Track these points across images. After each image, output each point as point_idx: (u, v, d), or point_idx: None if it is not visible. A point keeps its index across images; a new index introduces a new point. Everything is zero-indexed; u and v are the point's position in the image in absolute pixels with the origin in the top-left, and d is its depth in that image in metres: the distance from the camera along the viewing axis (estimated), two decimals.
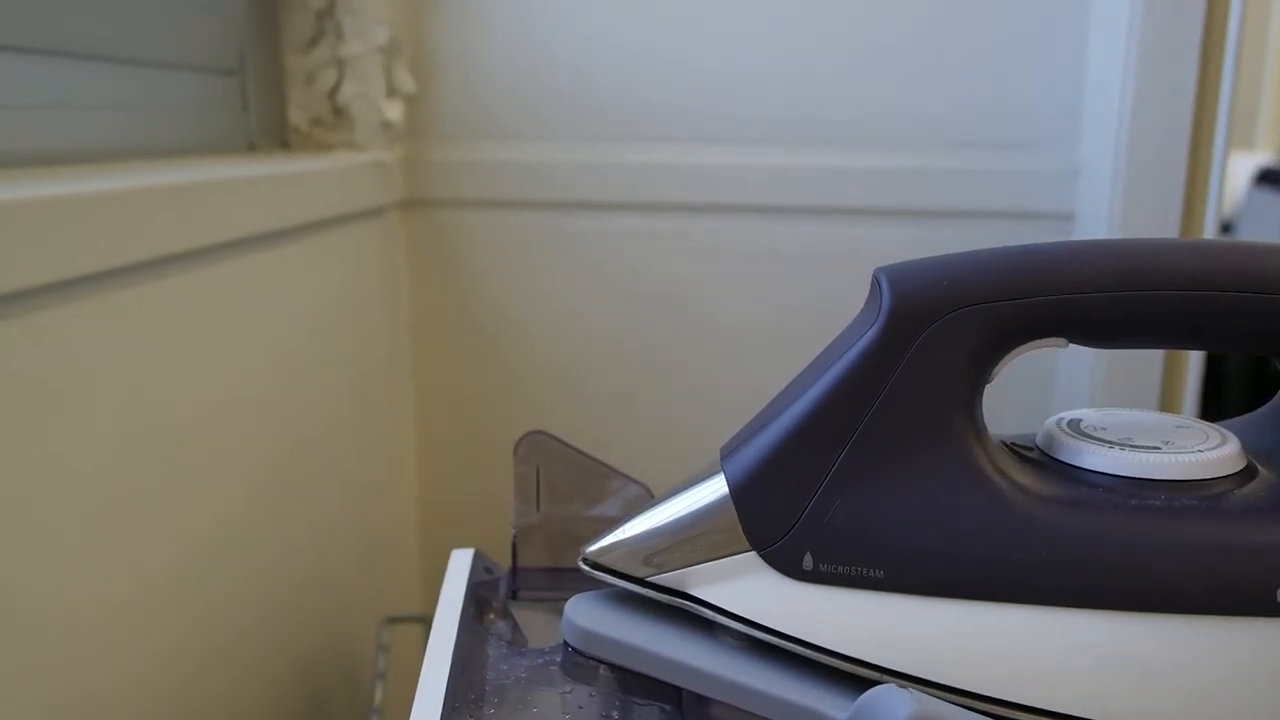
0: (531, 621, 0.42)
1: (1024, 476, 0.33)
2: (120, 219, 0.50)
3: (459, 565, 0.45)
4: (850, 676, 0.31)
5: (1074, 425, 0.35)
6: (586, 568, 0.35)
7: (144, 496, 0.52)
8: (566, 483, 0.46)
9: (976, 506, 0.31)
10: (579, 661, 0.36)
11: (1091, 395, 0.82)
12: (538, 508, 0.46)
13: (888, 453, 0.32)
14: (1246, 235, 1.58)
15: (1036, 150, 0.83)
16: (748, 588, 0.32)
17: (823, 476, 0.32)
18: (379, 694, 0.72)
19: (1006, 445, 0.35)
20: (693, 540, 0.33)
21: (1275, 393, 0.36)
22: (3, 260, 0.42)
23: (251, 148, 0.81)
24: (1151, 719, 0.30)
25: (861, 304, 0.34)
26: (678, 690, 0.34)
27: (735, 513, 0.33)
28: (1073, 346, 0.33)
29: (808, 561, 0.32)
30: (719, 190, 0.87)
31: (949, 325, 0.31)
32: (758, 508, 0.32)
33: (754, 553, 0.32)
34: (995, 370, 0.33)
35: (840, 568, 0.32)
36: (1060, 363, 0.86)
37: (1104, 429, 0.34)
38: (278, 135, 0.85)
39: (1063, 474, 0.33)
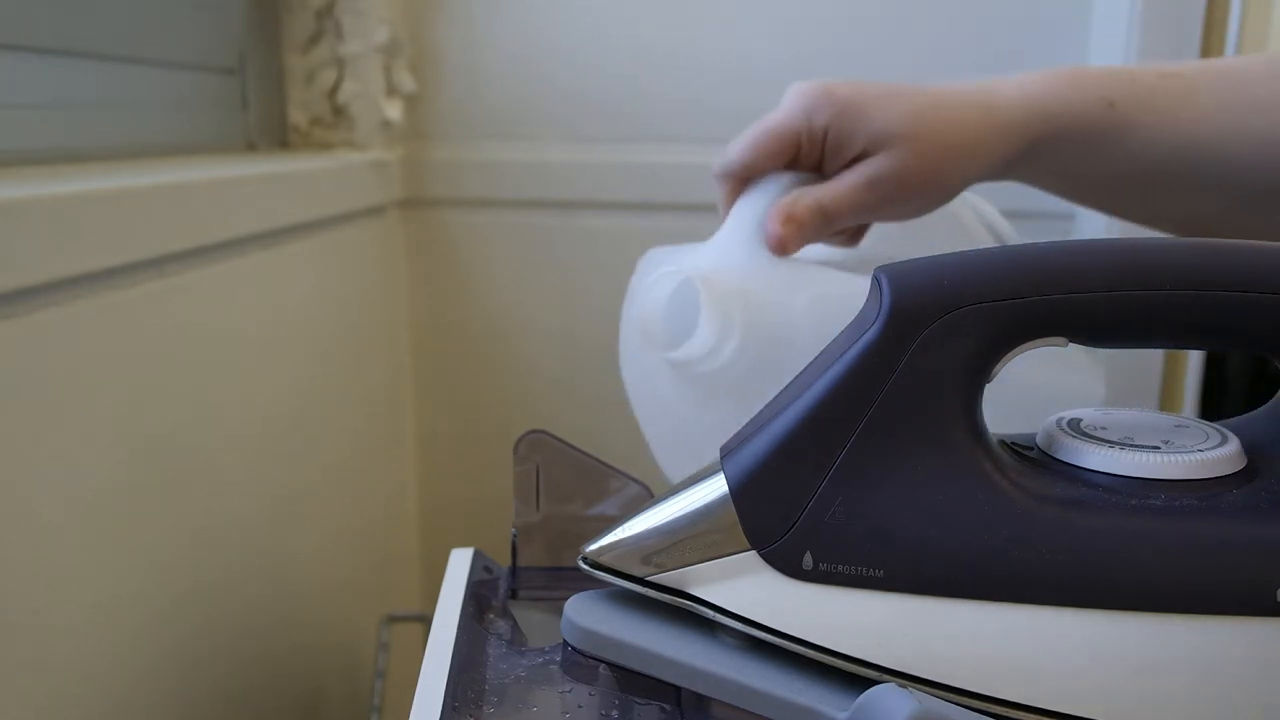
0: (531, 621, 0.42)
1: (1024, 476, 0.33)
2: (120, 218, 0.50)
3: (459, 564, 0.45)
4: (850, 676, 0.31)
5: (1074, 425, 0.35)
6: (586, 567, 0.35)
7: (144, 495, 0.52)
8: (566, 482, 0.46)
9: (976, 506, 0.31)
10: (578, 661, 0.36)
11: None
12: (538, 507, 0.46)
13: (888, 452, 0.32)
14: None
15: None
16: (747, 587, 0.32)
17: (823, 476, 0.32)
18: (379, 693, 0.72)
19: (1006, 445, 0.35)
20: (692, 540, 0.33)
21: (1275, 393, 0.36)
22: (3, 260, 0.42)
23: (251, 147, 0.81)
24: (1151, 719, 0.30)
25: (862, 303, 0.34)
26: (677, 689, 0.34)
27: (735, 512, 0.33)
28: (1072, 346, 0.33)
29: (807, 561, 0.32)
30: None
31: (949, 325, 0.31)
32: (758, 507, 0.32)
33: (754, 552, 0.32)
34: (995, 370, 0.33)
35: (840, 567, 0.32)
36: None
37: (1104, 428, 0.34)
38: (277, 134, 0.85)
39: (1063, 473, 0.33)
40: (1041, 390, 0.44)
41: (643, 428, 0.53)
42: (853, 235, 0.54)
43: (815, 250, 0.51)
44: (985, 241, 0.56)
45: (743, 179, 0.50)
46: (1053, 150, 0.47)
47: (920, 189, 0.48)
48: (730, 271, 0.47)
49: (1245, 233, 0.50)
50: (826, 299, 0.46)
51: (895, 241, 0.52)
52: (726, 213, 0.50)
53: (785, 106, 0.48)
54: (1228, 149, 0.46)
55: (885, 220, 0.50)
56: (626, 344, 0.51)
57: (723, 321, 0.46)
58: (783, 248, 0.47)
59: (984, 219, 0.57)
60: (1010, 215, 0.70)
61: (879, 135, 0.46)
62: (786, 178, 0.49)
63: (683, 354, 0.47)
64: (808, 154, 0.48)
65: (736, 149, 0.49)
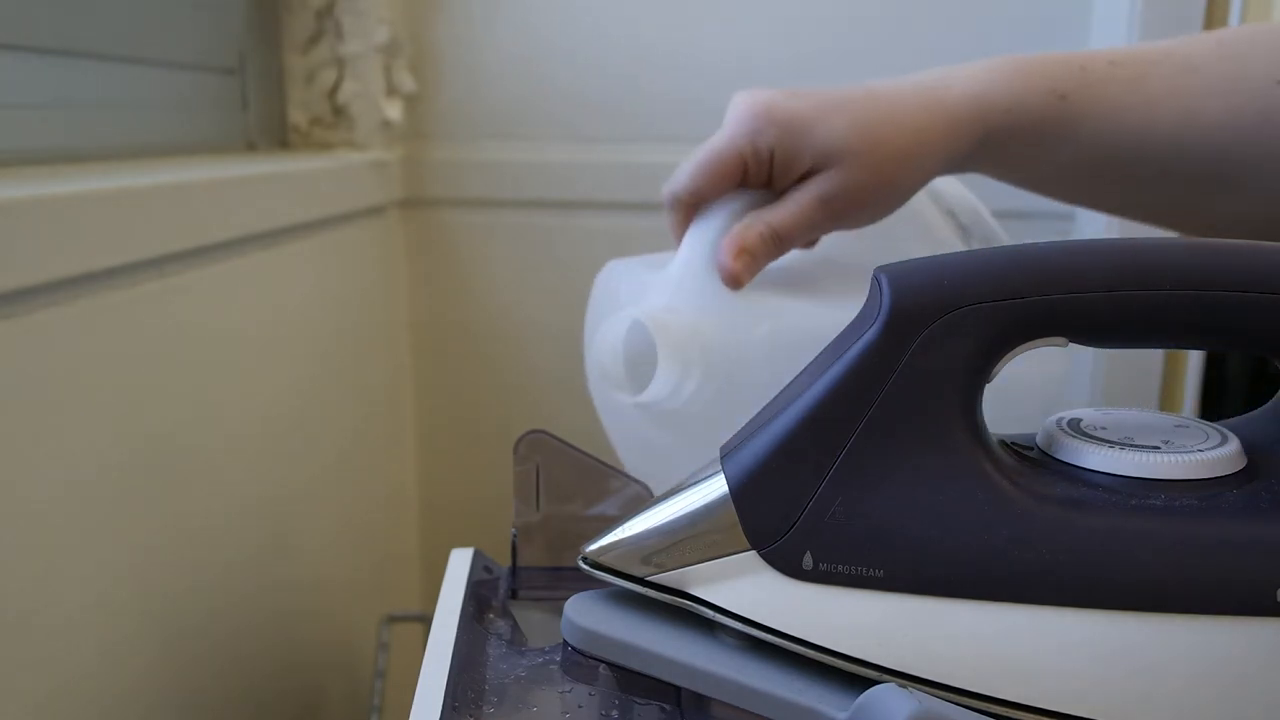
0: (531, 621, 0.43)
1: (1024, 476, 0.33)
2: (120, 218, 0.50)
3: (459, 564, 0.45)
4: (850, 676, 0.31)
5: (1074, 425, 0.35)
6: (586, 567, 0.35)
7: (143, 495, 0.52)
8: (566, 482, 0.46)
9: (976, 506, 0.31)
10: (578, 661, 0.36)
11: (1091, 395, 0.82)
12: (538, 507, 0.46)
13: (888, 452, 0.32)
14: None
15: None
16: (747, 587, 0.32)
17: (823, 476, 0.32)
18: (379, 693, 0.72)
19: (1006, 445, 0.35)
20: (692, 539, 0.33)
21: (1275, 393, 0.36)
22: (3, 260, 0.42)
23: (251, 147, 0.81)
24: (1151, 719, 0.30)
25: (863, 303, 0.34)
26: (677, 690, 0.34)
27: (735, 512, 0.33)
28: (1073, 346, 0.33)
29: (807, 561, 0.32)
30: None
31: (949, 325, 0.31)
32: (758, 507, 0.32)
33: (754, 552, 0.32)
34: (995, 370, 0.33)
35: (840, 567, 0.32)
36: None
37: (1104, 429, 0.34)
38: (277, 134, 0.85)
39: (1063, 473, 0.33)
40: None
41: (614, 445, 0.53)
42: (809, 240, 0.53)
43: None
44: (946, 231, 0.55)
45: (692, 206, 0.49)
46: (1004, 145, 0.47)
47: (872, 199, 0.47)
48: (684, 310, 0.47)
49: (1210, 218, 0.50)
50: (783, 330, 0.46)
51: (853, 241, 0.52)
52: (679, 239, 0.50)
53: (728, 129, 0.47)
54: (1180, 136, 0.46)
55: (841, 229, 0.50)
56: (591, 371, 0.51)
57: (680, 365, 0.46)
58: (736, 282, 0.46)
59: (947, 204, 0.56)
60: (1010, 215, 0.70)
61: (825, 151, 0.45)
62: (737, 201, 0.48)
63: (644, 398, 0.47)
64: (755, 174, 0.47)
65: (683, 178, 0.48)
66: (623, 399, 0.48)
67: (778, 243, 0.47)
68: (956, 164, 0.48)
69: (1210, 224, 0.52)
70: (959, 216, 0.56)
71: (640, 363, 0.47)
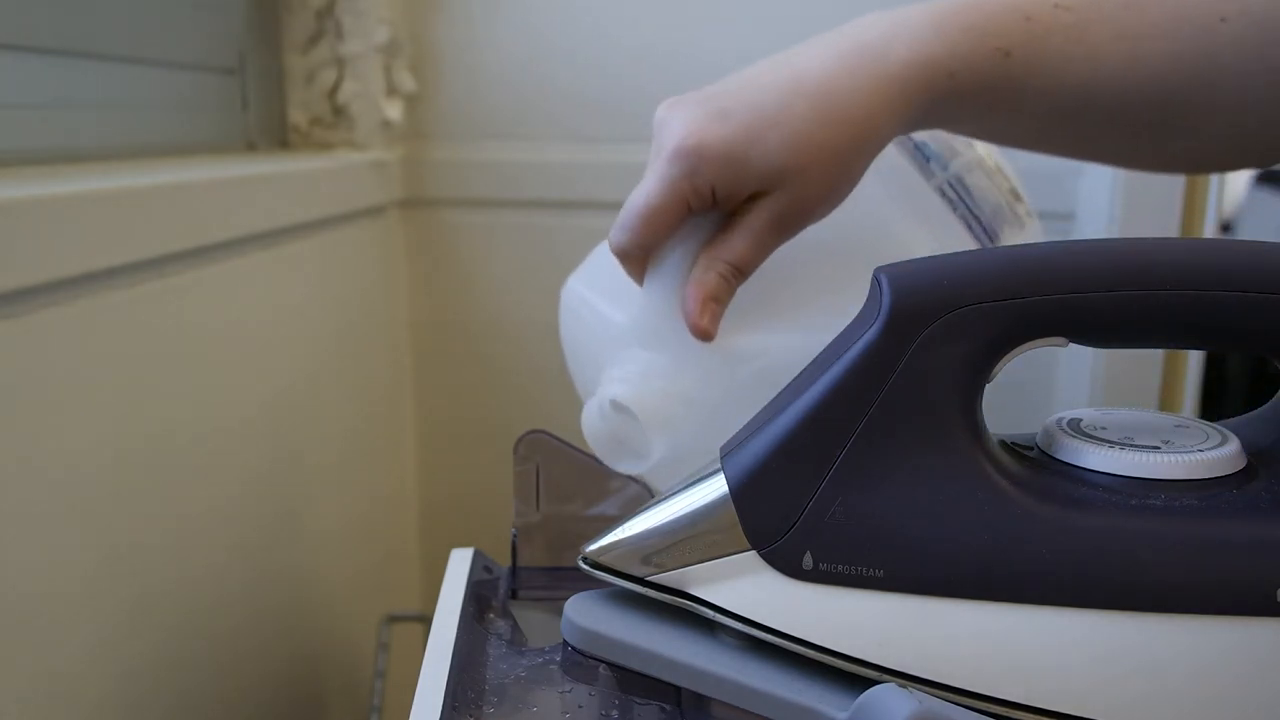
0: (531, 621, 0.43)
1: (1024, 476, 0.33)
2: (120, 218, 0.50)
3: (459, 564, 0.45)
4: (850, 676, 0.31)
5: (1074, 425, 0.35)
6: (586, 567, 0.35)
7: (143, 495, 0.52)
8: (566, 482, 0.46)
9: (976, 506, 0.31)
10: (578, 661, 0.36)
11: (1091, 395, 0.82)
12: (538, 507, 0.46)
13: (888, 452, 0.32)
14: (1246, 235, 1.57)
15: None
16: (747, 587, 0.32)
17: (823, 476, 0.32)
18: (379, 693, 0.72)
19: (1006, 445, 0.35)
20: (692, 539, 0.33)
21: (1275, 393, 0.36)
22: (3, 260, 0.42)
23: (251, 147, 0.81)
24: (1151, 719, 0.30)
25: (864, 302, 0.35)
26: (677, 689, 0.34)
27: (735, 512, 0.33)
28: (1073, 346, 0.33)
29: (807, 561, 0.32)
30: None
31: (949, 325, 0.31)
32: (758, 507, 0.32)
33: (754, 552, 0.32)
34: (995, 370, 0.33)
35: (840, 567, 0.32)
36: (1060, 363, 0.86)
37: (1104, 429, 0.34)
38: (277, 134, 0.85)
39: (1063, 473, 0.33)
40: None
41: None
42: None
43: None
44: (911, 172, 0.54)
45: (643, 258, 0.48)
46: (950, 107, 0.46)
47: (825, 200, 0.46)
48: (660, 374, 0.47)
49: (1163, 158, 0.50)
50: (769, 369, 0.45)
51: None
52: (639, 283, 0.49)
53: (661, 175, 0.45)
54: (1124, 85, 0.45)
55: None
56: (589, 441, 0.50)
57: (669, 434, 0.46)
58: (707, 336, 0.45)
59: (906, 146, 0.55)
60: None
61: (768, 176, 0.44)
62: (690, 239, 0.47)
63: (643, 469, 0.47)
64: (700, 206, 0.46)
65: (628, 234, 0.47)
66: (625, 468, 0.48)
67: (739, 276, 0.46)
68: (904, 129, 0.47)
69: (1164, 163, 0.52)
70: (927, 153, 0.55)
71: (634, 414, 0.47)
